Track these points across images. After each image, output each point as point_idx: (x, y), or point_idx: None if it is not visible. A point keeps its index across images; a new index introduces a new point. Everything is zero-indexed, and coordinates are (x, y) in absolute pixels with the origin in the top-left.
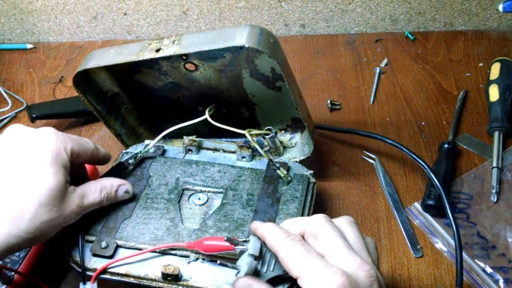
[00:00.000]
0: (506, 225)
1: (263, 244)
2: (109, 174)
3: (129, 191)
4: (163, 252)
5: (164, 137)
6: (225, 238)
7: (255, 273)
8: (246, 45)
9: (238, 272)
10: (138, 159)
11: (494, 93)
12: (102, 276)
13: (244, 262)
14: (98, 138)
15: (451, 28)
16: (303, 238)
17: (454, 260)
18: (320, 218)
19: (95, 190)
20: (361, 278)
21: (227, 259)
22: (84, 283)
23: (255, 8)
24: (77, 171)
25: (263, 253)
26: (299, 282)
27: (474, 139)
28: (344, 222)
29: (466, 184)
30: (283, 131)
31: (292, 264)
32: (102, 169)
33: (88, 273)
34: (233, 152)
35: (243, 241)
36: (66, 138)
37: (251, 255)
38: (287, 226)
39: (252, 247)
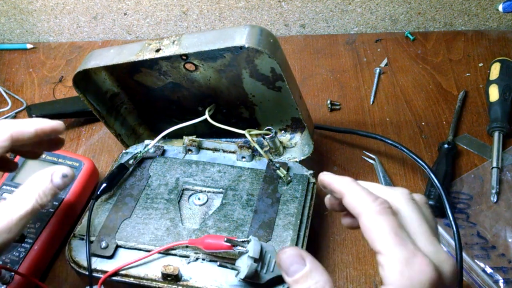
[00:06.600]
0: (506, 225)
1: (263, 245)
2: (111, 176)
3: (67, 174)
4: (163, 252)
5: (164, 137)
6: (225, 239)
7: (255, 274)
8: (246, 45)
9: (238, 273)
10: (138, 159)
11: (494, 93)
12: (101, 276)
13: (244, 264)
14: (98, 138)
15: (451, 28)
16: None
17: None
18: (405, 193)
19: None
20: (447, 272)
21: (227, 259)
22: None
23: (255, 8)
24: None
25: (263, 255)
26: (380, 258)
27: (474, 139)
28: (422, 202)
29: (466, 184)
30: (283, 131)
31: (378, 235)
32: (103, 169)
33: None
34: (233, 152)
35: (242, 241)
36: None
37: (251, 257)
38: (367, 187)
39: (252, 249)
